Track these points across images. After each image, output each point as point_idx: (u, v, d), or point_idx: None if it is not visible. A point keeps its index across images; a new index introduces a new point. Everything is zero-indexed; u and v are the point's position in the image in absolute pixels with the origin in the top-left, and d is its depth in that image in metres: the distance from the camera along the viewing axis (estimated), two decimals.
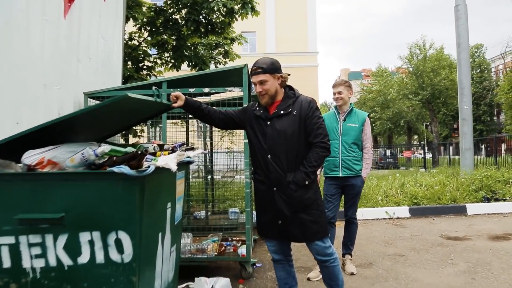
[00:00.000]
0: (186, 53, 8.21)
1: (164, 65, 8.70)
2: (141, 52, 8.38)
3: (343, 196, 3.89)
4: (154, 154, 1.97)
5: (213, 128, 5.89)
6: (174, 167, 1.74)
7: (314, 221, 2.50)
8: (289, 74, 2.61)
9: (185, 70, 8.84)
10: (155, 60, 8.94)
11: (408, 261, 4.20)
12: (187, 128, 4.99)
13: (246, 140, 3.61)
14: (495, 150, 19.65)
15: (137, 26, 7.76)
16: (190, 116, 5.36)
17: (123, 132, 5.06)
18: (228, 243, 4.02)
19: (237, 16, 8.08)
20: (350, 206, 3.88)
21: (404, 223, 6.28)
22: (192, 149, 2.55)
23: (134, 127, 7.84)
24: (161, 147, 2.20)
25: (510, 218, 6.38)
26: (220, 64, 9.51)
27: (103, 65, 4.16)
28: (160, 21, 7.85)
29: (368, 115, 3.97)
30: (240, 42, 9.61)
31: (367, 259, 4.32)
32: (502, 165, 17.08)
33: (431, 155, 26.99)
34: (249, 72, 2.53)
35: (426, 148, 28.49)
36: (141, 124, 8.00)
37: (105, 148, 1.64)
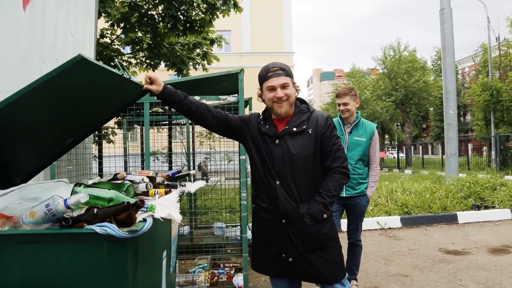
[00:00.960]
0: (163, 52, 7.60)
1: (139, 65, 8.05)
2: (113, 51, 7.70)
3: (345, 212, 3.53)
4: (146, 193, 1.48)
5: (195, 129, 5.39)
6: (179, 218, 1.26)
7: (332, 261, 2.09)
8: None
9: (162, 70, 8.24)
10: (129, 59, 8.27)
11: (415, 283, 3.89)
12: (170, 136, 4.46)
13: (243, 157, 3.16)
14: (466, 151, 20.19)
15: (110, 22, 7.08)
16: (174, 121, 4.84)
17: (96, 140, 4.47)
18: (221, 270, 3.55)
19: (218, 13, 7.56)
20: (354, 229, 3.51)
21: (398, 234, 6.02)
22: (188, 175, 2.06)
23: (105, 130, 7.17)
24: (152, 180, 1.70)
25: (501, 227, 6.27)
26: (198, 65, 8.98)
27: None
28: (135, 17, 7.21)
29: (377, 127, 3.59)
30: (220, 45, 9.10)
31: (370, 281, 3.97)
32: (475, 167, 17.50)
33: (403, 155, 27.53)
34: (264, 75, 2.06)
35: (398, 148, 29.07)
36: (114, 127, 7.36)
37: (81, 196, 1.14)
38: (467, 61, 36.26)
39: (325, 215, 2.03)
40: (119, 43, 7.92)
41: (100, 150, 3.74)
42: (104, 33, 7.59)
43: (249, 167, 2.32)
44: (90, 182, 2.01)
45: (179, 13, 7.31)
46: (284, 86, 2.04)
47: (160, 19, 7.23)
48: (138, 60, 8.31)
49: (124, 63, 8.18)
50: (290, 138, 2.05)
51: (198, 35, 8.12)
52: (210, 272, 3.42)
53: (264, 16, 27.00)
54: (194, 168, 5.36)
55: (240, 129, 2.18)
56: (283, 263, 2.07)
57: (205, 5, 7.42)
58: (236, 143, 4.63)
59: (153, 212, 1.24)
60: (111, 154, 4.90)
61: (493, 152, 17.31)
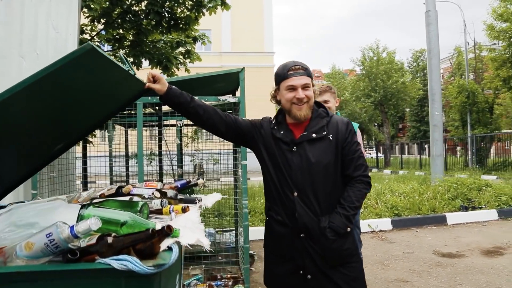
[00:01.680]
0: (147, 49, 7.26)
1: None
2: None
3: None
4: (159, 210, 1.26)
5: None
6: (207, 243, 1.05)
7: (355, 277, 1.92)
8: None
9: (146, 68, 7.90)
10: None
11: None
12: (160, 139, 4.18)
13: (244, 162, 2.96)
14: (444, 151, 20.65)
15: (89, 17, 6.67)
16: (168, 121, 4.56)
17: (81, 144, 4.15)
18: (218, 282, 3.32)
19: (204, 10, 7.29)
20: None
21: (390, 237, 5.96)
22: (196, 185, 1.84)
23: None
24: (163, 194, 1.47)
25: (489, 228, 6.32)
26: (181, 65, 8.68)
27: None
28: (117, 12, 6.84)
29: (359, 126, 3.40)
30: (203, 42, 8.85)
31: None
32: (452, 167, 17.91)
33: (381, 155, 28.00)
34: (283, 73, 1.87)
35: (376, 148, 29.52)
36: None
37: (92, 222, 0.91)
38: (441, 62, 37.27)
39: (348, 229, 1.86)
40: (99, 40, 7.52)
41: (84, 155, 3.44)
42: (84, 29, 7.17)
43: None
44: (84, 194, 1.76)
45: (163, 10, 6.99)
46: (305, 87, 1.86)
47: (144, 15, 6.90)
48: (119, 58, 7.93)
49: None
50: (309, 145, 1.86)
51: (182, 33, 7.83)
52: (207, 284, 3.20)
53: (244, 16, 26.79)
54: (181, 170, 5.10)
55: (251, 135, 1.98)
56: (301, 280, 1.88)
57: (191, 2, 7.14)
58: (223, 143, 4.45)
59: (178, 237, 1.02)
60: (92, 156, 4.60)
61: (469, 152, 17.77)
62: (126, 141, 4.77)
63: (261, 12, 27.82)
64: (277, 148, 1.90)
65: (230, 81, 3.51)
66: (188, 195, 1.69)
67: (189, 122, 4.80)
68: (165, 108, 4.20)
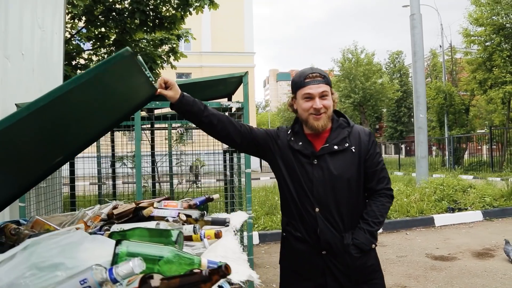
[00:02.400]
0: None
1: None
2: (73, 47, 6.97)
3: None
4: (189, 237, 1.11)
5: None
6: (256, 276, 0.92)
7: None
8: None
9: None
10: (89, 56, 7.57)
11: None
12: (153, 147, 3.99)
13: (248, 170, 2.83)
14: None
15: (71, 14, 6.37)
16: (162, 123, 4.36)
17: None
18: None
19: (191, 9, 7.11)
20: None
21: (381, 240, 5.95)
22: (212, 200, 1.70)
23: None
24: (187, 216, 1.33)
25: (476, 229, 6.43)
26: (165, 63, 8.47)
27: (40, 63, 3.01)
28: (99, 10, 6.56)
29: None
30: (187, 39, 8.69)
31: None
32: (429, 167, 18.34)
33: None
34: (300, 81, 1.76)
35: None
36: None
37: (135, 264, 0.76)
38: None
39: (373, 245, 1.78)
40: (80, 38, 7.20)
41: (72, 165, 3.22)
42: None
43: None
44: (90, 213, 1.58)
45: (148, 9, 6.77)
46: (323, 96, 1.75)
47: (127, 14, 6.65)
48: (100, 57, 7.64)
49: (85, 61, 7.47)
50: (331, 158, 1.76)
51: (167, 31, 7.62)
52: None
53: (225, 16, 26.59)
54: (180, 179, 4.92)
55: (267, 146, 1.86)
56: None
57: (177, 1, 6.95)
58: (212, 143, 4.30)
59: (228, 271, 0.88)
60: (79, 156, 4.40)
61: (447, 152, 18.25)
62: (113, 149, 4.56)
63: (241, 12, 27.73)
64: (296, 161, 1.79)
65: (226, 85, 3.38)
66: (205, 212, 1.55)
67: (183, 125, 4.64)
68: (157, 111, 4.02)
